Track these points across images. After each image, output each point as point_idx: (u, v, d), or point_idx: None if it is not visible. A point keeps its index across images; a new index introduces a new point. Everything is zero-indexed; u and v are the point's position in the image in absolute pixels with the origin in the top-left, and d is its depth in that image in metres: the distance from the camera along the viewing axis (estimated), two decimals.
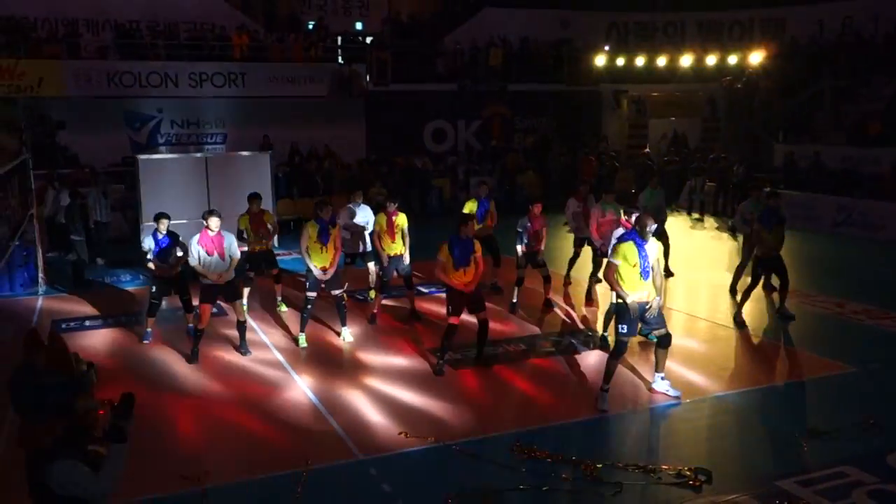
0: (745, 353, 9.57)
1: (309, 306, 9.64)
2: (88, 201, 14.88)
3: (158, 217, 9.68)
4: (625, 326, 7.54)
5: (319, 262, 9.50)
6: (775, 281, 10.77)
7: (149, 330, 9.93)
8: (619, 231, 9.07)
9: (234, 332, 9.62)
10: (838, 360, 8.99)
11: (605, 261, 8.82)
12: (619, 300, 7.65)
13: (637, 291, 7.47)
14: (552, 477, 6.15)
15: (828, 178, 18.93)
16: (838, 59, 22.78)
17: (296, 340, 9.75)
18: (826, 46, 23.47)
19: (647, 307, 7.47)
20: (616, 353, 7.67)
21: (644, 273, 7.40)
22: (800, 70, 23.40)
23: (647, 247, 7.41)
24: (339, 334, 9.92)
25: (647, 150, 23.96)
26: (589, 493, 5.94)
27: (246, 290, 11.22)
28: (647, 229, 7.39)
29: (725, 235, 17.54)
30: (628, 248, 7.41)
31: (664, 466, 6.29)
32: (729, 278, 12.23)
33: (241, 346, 9.36)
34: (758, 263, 10.53)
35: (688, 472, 6.15)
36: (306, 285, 9.63)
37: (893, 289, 12.53)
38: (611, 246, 8.53)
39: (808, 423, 7.10)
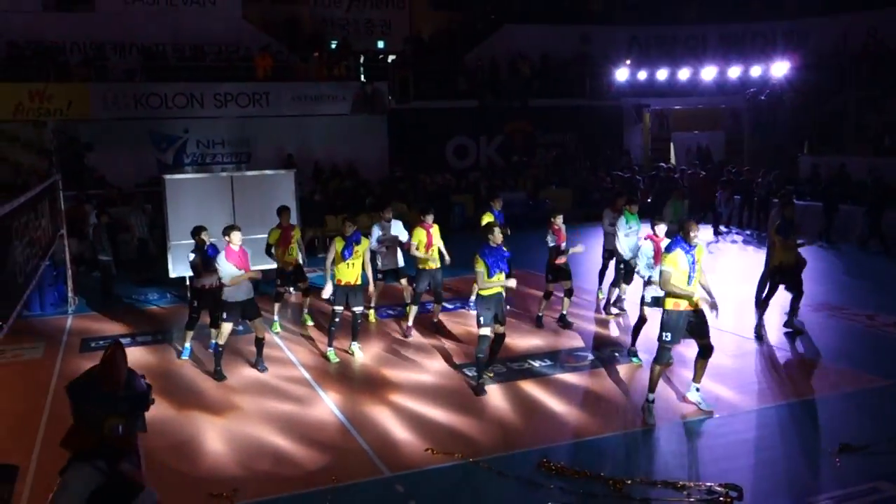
0: (774, 366, 9.45)
1: (336, 320, 9.73)
2: (131, 219, 15.78)
3: (200, 230, 9.69)
4: (668, 334, 7.56)
5: (344, 277, 9.62)
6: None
7: (187, 345, 10.08)
8: (648, 244, 9.14)
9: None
10: (870, 373, 8.85)
11: (647, 273, 9.03)
12: (665, 308, 7.66)
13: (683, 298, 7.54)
14: (580, 494, 6.10)
15: (854, 190, 18.69)
16: (862, 70, 22.60)
17: (325, 356, 9.80)
18: (850, 57, 23.28)
19: (690, 317, 7.55)
20: (658, 360, 7.67)
21: (690, 280, 7.47)
22: (824, 81, 23.23)
23: (694, 252, 7.48)
24: (348, 351, 9.96)
25: (667, 164, 23.83)
26: None
27: (276, 306, 11.32)
28: (692, 234, 7.47)
29: (751, 248, 17.37)
30: (678, 255, 7.48)
31: (694, 483, 6.22)
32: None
33: (258, 363, 9.43)
34: (775, 272, 10.46)
35: (718, 489, 6.09)
36: (332, 300, 9.71)
37: None
38: (648, 258, 8.95)
39: (840, 438, 6.99)
